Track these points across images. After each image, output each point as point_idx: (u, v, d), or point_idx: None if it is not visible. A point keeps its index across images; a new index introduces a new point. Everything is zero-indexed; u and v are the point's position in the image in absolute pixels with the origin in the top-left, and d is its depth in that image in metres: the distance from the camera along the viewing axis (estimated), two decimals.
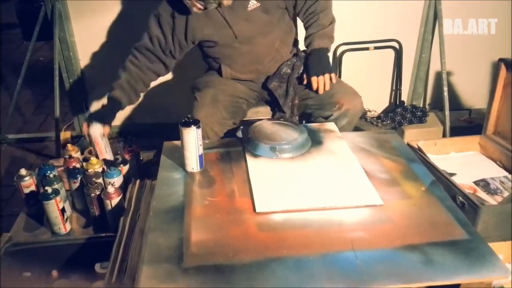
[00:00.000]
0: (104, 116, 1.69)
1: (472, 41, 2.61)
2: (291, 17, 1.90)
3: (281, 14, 1.81)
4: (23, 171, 1.57)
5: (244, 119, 1.93)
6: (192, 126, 1.29)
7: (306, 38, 1.83)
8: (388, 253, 1.04)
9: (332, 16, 1.81)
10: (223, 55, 1.84)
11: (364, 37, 2.62)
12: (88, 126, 1.66)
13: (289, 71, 1.85)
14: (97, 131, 1.64)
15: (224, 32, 1.74)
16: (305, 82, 1.78)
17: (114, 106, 1.74)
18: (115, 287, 1.17)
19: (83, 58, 2.67)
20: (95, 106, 1.69)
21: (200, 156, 1.35)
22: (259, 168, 1.37)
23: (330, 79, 1.74)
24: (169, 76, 2.71)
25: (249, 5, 1.70)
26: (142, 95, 1.84)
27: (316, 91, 1.75)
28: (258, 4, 1.72)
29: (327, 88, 1.74)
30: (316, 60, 1.76)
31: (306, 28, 1.84)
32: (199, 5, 1.60)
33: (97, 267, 1.45)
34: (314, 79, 1.73)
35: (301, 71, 1.83)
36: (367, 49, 2.67)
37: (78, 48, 2.63)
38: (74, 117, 2.85)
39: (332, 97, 1.78)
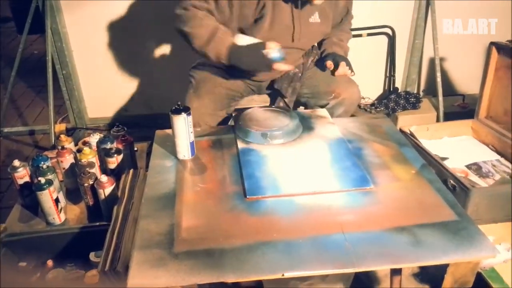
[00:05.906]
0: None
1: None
2: None
3: None
4: (16, 162, 1.58)
5: (238, 107, 1.92)
6: (183, 113, 1.29)
7: (325, 43, 1.87)
8: (377, 235, 1.04)
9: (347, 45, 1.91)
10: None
11: (357, 24, 2.60)
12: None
13: (297, 70, 1.84)
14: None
15: (285, 30, 1.65)
16: (328, 65, 1.74)
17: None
18: (108, 275, 1.18)
19: (76, 49, 2.66)
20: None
21: (191, 144, 1.35)
22: (250, 154, 1.37)
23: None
24: (164, 67, 2.71)
25: (311, 18, 1.67)
26: None
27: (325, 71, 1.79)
28: (319, 21, 1.69)
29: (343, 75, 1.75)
30: (345, 58, 1.79)
31: (327, 37, 1.88)
32: None
33: (92, 256, 1.47)
34: (343, 64, 1.72)
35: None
36: (360, 36, 2.66)
37: (70, 40, 2.62)
38: (69, 109, 2.84)
39: (328, 86, 1.78)
